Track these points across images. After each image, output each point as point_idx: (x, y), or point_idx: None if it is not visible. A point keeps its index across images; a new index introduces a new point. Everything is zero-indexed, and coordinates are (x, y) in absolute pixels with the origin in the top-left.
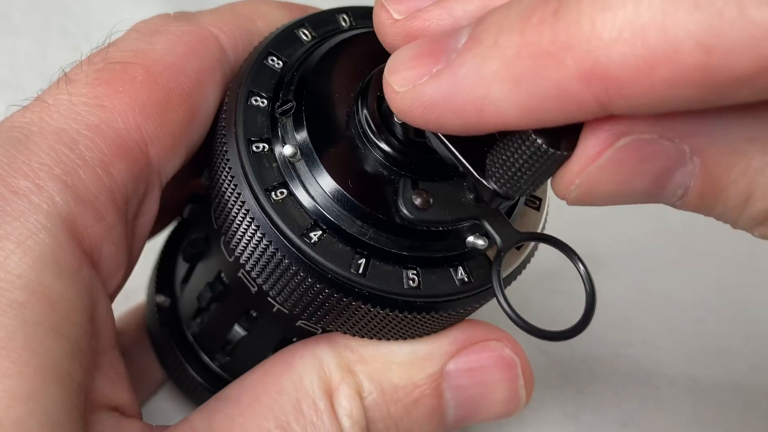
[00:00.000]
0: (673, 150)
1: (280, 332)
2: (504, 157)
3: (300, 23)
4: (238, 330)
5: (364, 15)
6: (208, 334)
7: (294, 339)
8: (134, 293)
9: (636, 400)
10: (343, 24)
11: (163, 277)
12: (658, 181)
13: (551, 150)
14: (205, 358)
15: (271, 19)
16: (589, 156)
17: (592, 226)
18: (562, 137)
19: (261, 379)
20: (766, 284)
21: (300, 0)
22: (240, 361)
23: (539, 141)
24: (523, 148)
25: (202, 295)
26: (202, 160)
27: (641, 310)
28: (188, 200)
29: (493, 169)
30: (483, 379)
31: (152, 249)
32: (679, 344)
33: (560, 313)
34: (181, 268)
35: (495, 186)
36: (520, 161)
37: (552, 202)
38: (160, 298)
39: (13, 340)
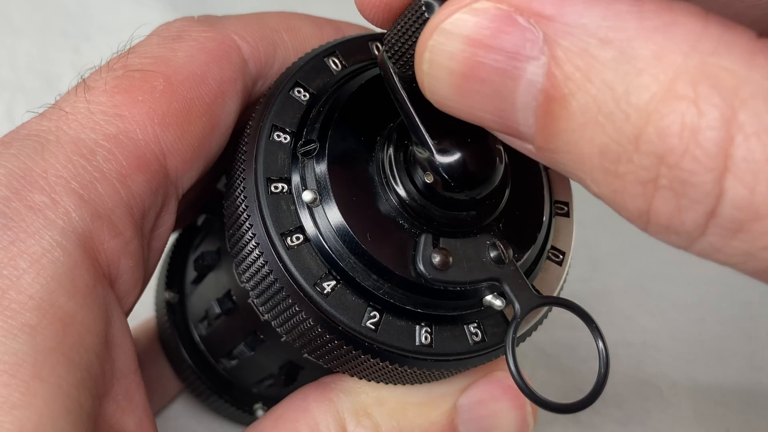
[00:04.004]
0: (527, 31)
1: (287, 357)
2: (400, 21)
3: (331, 50)
4: (244, 349)
5: None
6: (214, 342)
7: (301, 365)
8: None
9: (636, 400)
10: (376, 52)
11: (173, 273)
12: (509, 70)
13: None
14: (210, 359)
15: (299, 34)
16: (442, 15)
17: (592, 226)
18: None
19: (274, 424)
20: (766, 284)
21: (333, 15)
22: (244, 371)
23: None
24: (414, 6)
25: (211, 309)
26: (220, 166)
27: (641, 310)
28: (203, 209)
29: (388, 35)
30: (493, 409)
31: None
32: (679, 344)
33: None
34: (192, 269)
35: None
36: (407, 19)
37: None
38: (170, 294)
39: (22, 367)
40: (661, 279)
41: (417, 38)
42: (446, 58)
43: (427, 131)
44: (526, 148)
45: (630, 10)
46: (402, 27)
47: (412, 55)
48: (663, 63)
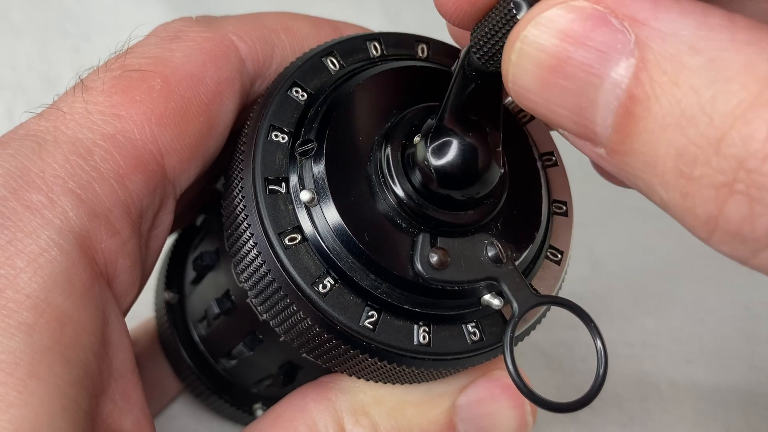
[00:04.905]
0: (619, 32)
1: (286, 358)
2: (487, 21)
3: (328, 50)
4: (243, 349)
5: (395, 43)
6: (213, 342)
7: (300, 364)
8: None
9: (636, 399)
10: (374, 52)
11: (173, 273)
12: (597, 67)
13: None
14: (210, 360)
15: (297, 34)
16: (539, 9)
17: (592, 226)
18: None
19: (273, 423)
20: (766, 284)
21: (332, 15)
22: (243, 371)
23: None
24: (501, 6)
25: (210, 309)
26: (219, 167)
27: (641, 310)
28: (201, 209)
29: (474, 35)
30: (492, 408)
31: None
32: (679, 344)
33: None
34: (191, 270)
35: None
36: (494, 19)
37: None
38: (169, 295)
39: (19, 366)
40: (661, 279)
41: (504, 36)
42: (537, 50)
43: (450, 111)
44: (595, 153)
45: (722, 24)
46: (490, 25)
47: (497, 51)
48: (753, 73)
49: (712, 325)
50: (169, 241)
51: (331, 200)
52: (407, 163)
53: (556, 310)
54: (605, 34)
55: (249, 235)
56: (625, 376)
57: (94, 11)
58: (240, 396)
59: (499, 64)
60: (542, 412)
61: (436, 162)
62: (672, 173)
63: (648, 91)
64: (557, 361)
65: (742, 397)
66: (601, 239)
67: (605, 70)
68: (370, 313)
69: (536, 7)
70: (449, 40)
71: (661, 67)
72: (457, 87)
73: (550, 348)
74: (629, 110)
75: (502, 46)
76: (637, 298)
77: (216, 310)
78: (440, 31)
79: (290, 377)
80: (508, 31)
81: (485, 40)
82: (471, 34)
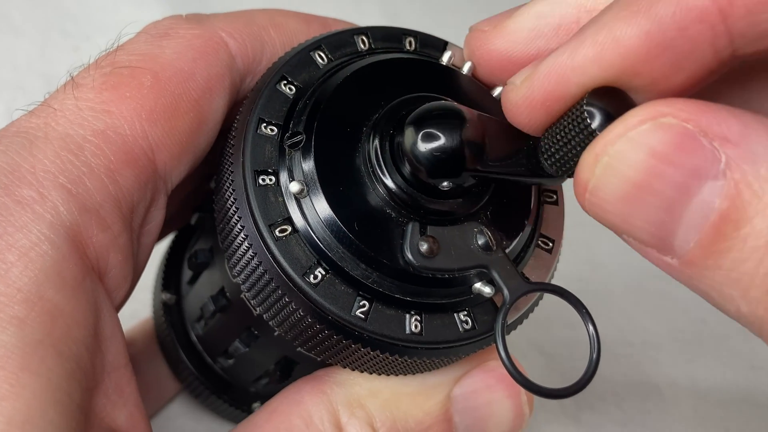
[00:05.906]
0: (710, 152)
1: (281, 353)
2: (557, 128)
3: (316, 45)
4: (239, 345)
5: (383, 37)
6: (210, 341)
7: (296, 360)
8: (137, 291)
9: (636, 399)
10: (362, 46)
11: (170, 274)
12: (686, 186)
13: (590, 117)
14: (208, 359)
15: (286, 30)
16: (627, 125)
17: (592, 227)
18: (610, 115)
19: (268, 417)
20: None
21: (323, 12)
22: (241, 369)
23: (585, 107)
24: (574, 116)
25: (206, 307)
26: (211, 165)
27: (641, 310)
28: (196, 208)
29: (545, 141)
30: (488, 398)
31: (157, 247)
32: (679, 344)
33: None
34: (187, 270)
35: (546, 164)
36: (566, 128)
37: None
38: (166, 296)
39: (11, 359)
40: (661, 279)
41: (578, 144)
42: (625, 165)
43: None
44: (662, 261)
45: None
46: (562, 133)
47: (570, 158)
48: None
49: (712, 325)
50: (167, 241)
51: (321, 191)
52: (396, 153)
53: (555, 311)
54: (695, 154)
55: (240, 227)
56: (625, 376)
57: (94, 11)
58: (238, 395)
59: (571, 171)
60: (542, 413)
61: (423, 146)
62: (759, 290)
63: (740, 212)
64: (557, 361)
65: (742, 397)
66: (601, 239)
67: (695, 190)
68: (361, 303)
69: (624, 122)
70: (443, 37)
71: (754, 189)
72: (508, 160)
73: (550, 348)
74: (719, 229)
75: (575, 155)
76: (637, 298)
77: (211, 307)
78: (438, 30)
79: (287, 373)
80: (582, 140)
81: (558, 147)
82: (542, 140)
